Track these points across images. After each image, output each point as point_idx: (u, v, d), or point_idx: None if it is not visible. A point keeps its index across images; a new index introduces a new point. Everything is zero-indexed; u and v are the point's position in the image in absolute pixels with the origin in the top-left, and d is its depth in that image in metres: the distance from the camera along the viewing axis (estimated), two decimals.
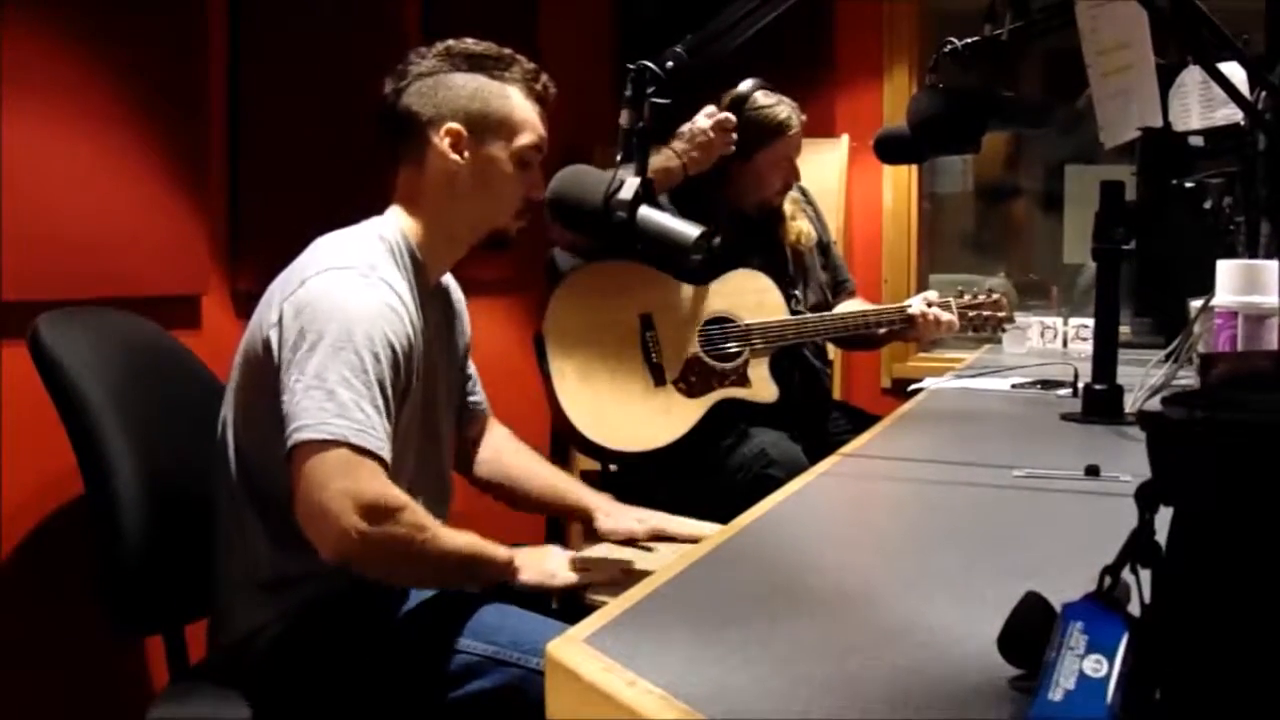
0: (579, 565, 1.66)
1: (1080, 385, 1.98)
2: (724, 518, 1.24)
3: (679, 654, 0.78)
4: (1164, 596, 0.62)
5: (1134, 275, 3.11)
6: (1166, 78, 2.06)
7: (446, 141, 1.65)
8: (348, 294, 1.51)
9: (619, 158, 1.37)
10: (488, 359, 3.20)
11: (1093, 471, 1.40)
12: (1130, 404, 1.84)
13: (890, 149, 1.83)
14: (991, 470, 1.50)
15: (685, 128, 2.40)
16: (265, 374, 1.52)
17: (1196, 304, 1.91)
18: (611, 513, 1.92)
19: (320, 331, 1.47)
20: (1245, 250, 2.02)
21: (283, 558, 1.57)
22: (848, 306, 2.86)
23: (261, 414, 1.54)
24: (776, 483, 1.56)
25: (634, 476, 2.60)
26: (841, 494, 1.44)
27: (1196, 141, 2.16)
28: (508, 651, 1.50)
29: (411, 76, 1.66)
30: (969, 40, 1.72)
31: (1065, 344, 3.24)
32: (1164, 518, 0.63)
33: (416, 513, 1.48)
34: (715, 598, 0.94)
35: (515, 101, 1.68)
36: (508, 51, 1.70)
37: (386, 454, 1.47)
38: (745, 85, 2.62)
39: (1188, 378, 1.91)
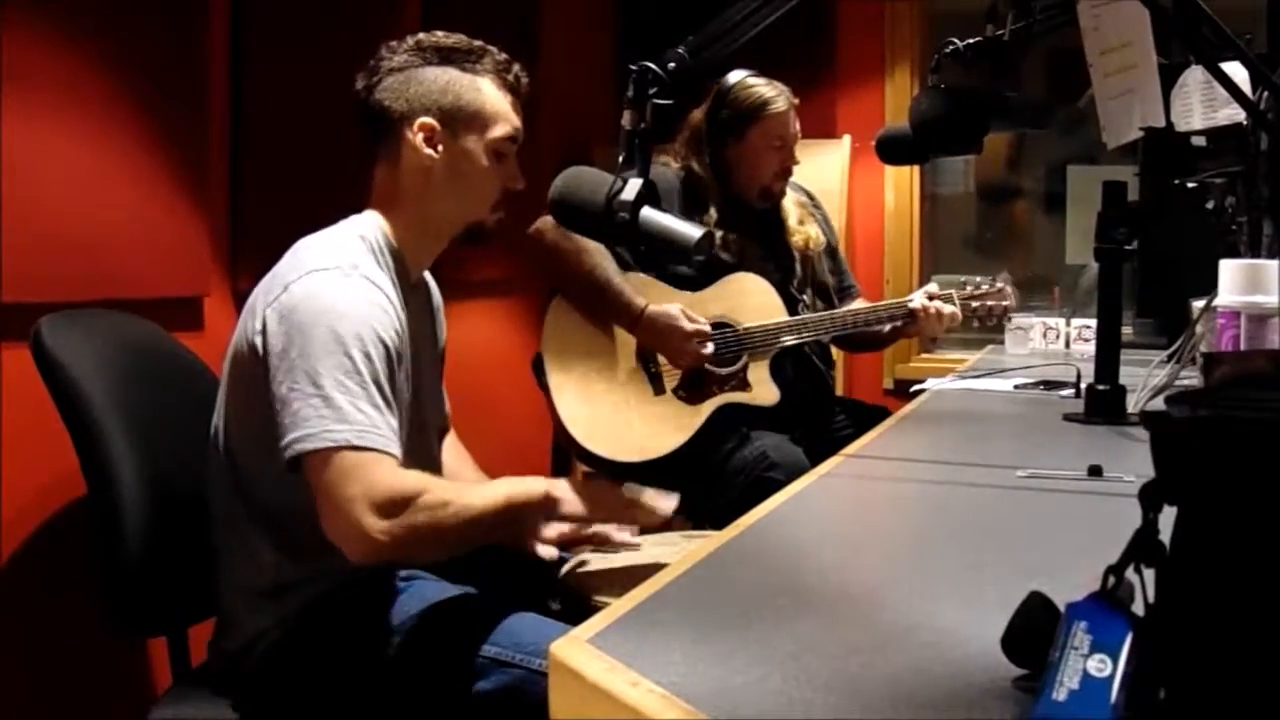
0: (622, 503, 1.65)
1: (1083, 386, 1.98)
2: (725, 521, 1.24)
3: (682, 654, 0.78)
4: (1168, 596, 0.62)
5: (1136, 275, 3.11)
6: (1169, 77, 2.06)
7: (420, 136, 1.64)
8: (333, 295, 1.50)
9: (621, 159, 1.37)
10: (486, 360, 3.21)
11: (1096, 472, 1.40)
12: (1133, 404, 1.84)
13: (892, 149, 1.82)
14: (994, 471, 1.50)
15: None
16: (254, 382, 1.52)
17: (1199, 304, 1.91)
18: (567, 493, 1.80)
19: (309, 336, 1.46)
20: (1248, 250, 2.02)
21: (281, 563, 1.57)
22: (851, 308, 2.85)
23: (252, 421, 1.54)
24: (778, 485, 1.55)
25: (635, 482, 2.59)
26: (844, 494, 1.44)
27: (1199, 141, 2.16)
28: (510, 653, 1.50)
29: (383, 72, 1.66)
30: (971, 40, 1.72)
31: (1068, 344, 3.24)
32: (1168, 517, 0.63)
33: (435, 492, 1.47)
34: (718, 598, 0.94)
35: (487, 93, 1.68)
36: (478, 43, 1.70)
37: (394, 449, 1.46)
38: (731, 76, 2.62)
39: (1190, 378, 1.91)
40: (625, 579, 1.64)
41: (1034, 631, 0.69)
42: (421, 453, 1.73)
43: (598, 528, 1.77)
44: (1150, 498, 0.63)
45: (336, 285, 1.51)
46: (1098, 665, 0.60)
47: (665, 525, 1.69)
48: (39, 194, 1.88)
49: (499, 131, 1.68)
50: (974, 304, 2.76)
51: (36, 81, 1.87)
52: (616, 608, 0.88)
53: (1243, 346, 1.72)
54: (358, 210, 1.69)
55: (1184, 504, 0.62)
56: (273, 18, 2.43)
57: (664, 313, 2.48)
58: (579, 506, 1.61)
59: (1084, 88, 1.84)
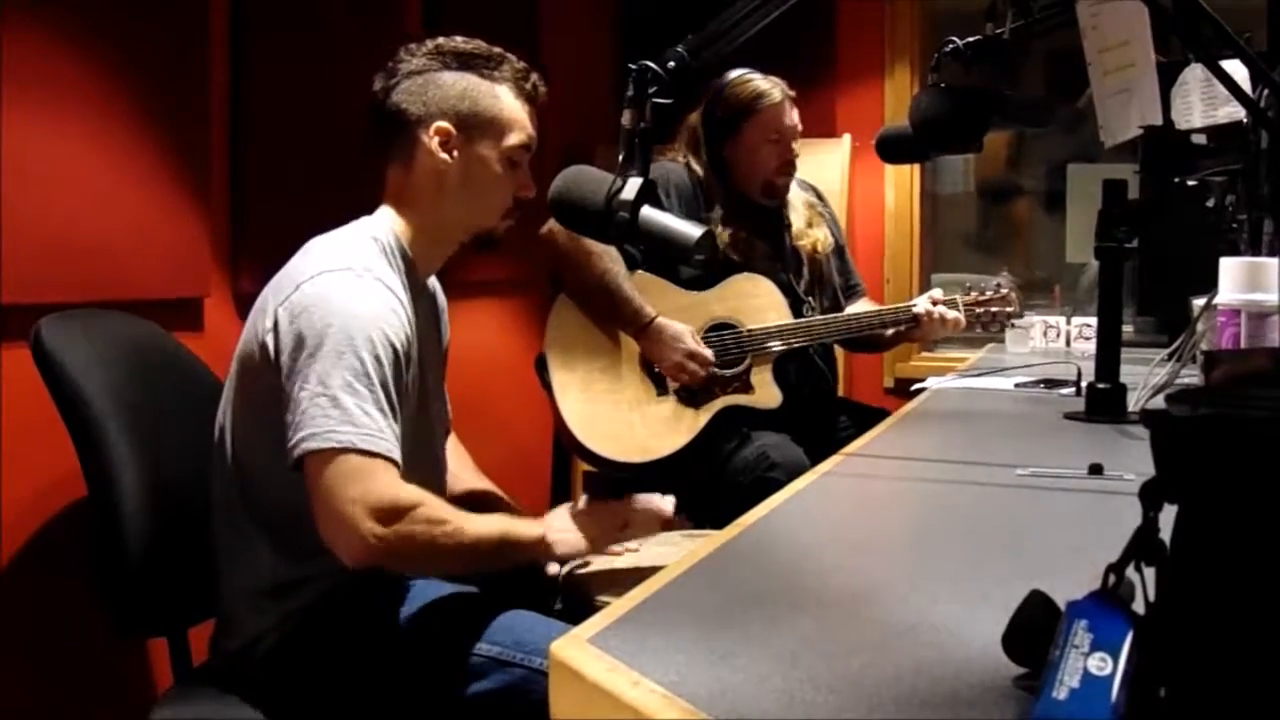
0: (620, 521, 1.65)
1: (1083, 384, 1.98)
2: (726, 521, 1.24)
3: (682, 653, 0.78)
4: (1168, 594, 0.62)
5: (1137, 274, 3.11)
6: (1168, 75, 2.06)
7: (435, 140, 1.65)
8: (345, 297, 1.50)
9: (621, 158, 1.37)
10: (488, 359, 3.21)
11: (1096, 470, 1.40)
12: (1133, 403, 1.84)
13: (892, 148, 1.82)
14: (995, 469, 1.50)
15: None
16: (262, 381, 1.52)
17: (1199, 302, 1.91)
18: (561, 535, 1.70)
19: (320, 337, 1.46)
20: (1248, 248, 2.01)
21: (283, 563, 1.57)
22: (856, 309, 2.84)
23: (259, 421, 1.54)
24: (778, 485, 1.55)
25: (636, 481, 2.60)
26: (845, 493, 1.44)
27: (1199, 139, 2.16)
28: (511, 652, 1.50)
29: (401, 74, 1.66)
30: (970, 39, 1.71)
31: (1068, 343, 3.24)
32: (1168, 516, 0.63)
33: (433, 507, 1.47)
34: (718, 597, 0.94)
35: (505, 101, 1.68)
36: (497, 50, 1.70)
37: (396, 455, 1.46)
38: (726, 74, 2.61)
39: (1191, 376, 1.91)
40: (626, 579, 1.64)
41: (1035, 630, 0.68)
42: (428, 455, 1.73)
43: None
44: (1151, 496, 0.63)
45: (349, 286, 1.51)
46: (1098, 664, 0.60)
47: (666, 525, 1.69)
48: (39, 195, 1.88)
49: (514, 140, 1.68)
50: (978, 309, 2.76)
51: (36, 82, 1.87)
52: (617, 607, 0.88)
53: (1243, 344, 1.72)
54: (358, 211, 1.69)
55: (1184, 502, 0.62)
56: (273, 18, 2.43)
57: (673, 331, 2.51)
58: (574, 547, 1.60)
59: (1084, 86, 1.84)
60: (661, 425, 2.53)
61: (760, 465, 2.45)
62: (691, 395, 2.56)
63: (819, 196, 2.90)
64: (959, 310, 2.72)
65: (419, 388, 1.65)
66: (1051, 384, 2.35)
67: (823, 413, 2.76)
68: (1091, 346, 1.96)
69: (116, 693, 2.04)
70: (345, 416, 1.43)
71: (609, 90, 3.73)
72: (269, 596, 1.58)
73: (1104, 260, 1.86)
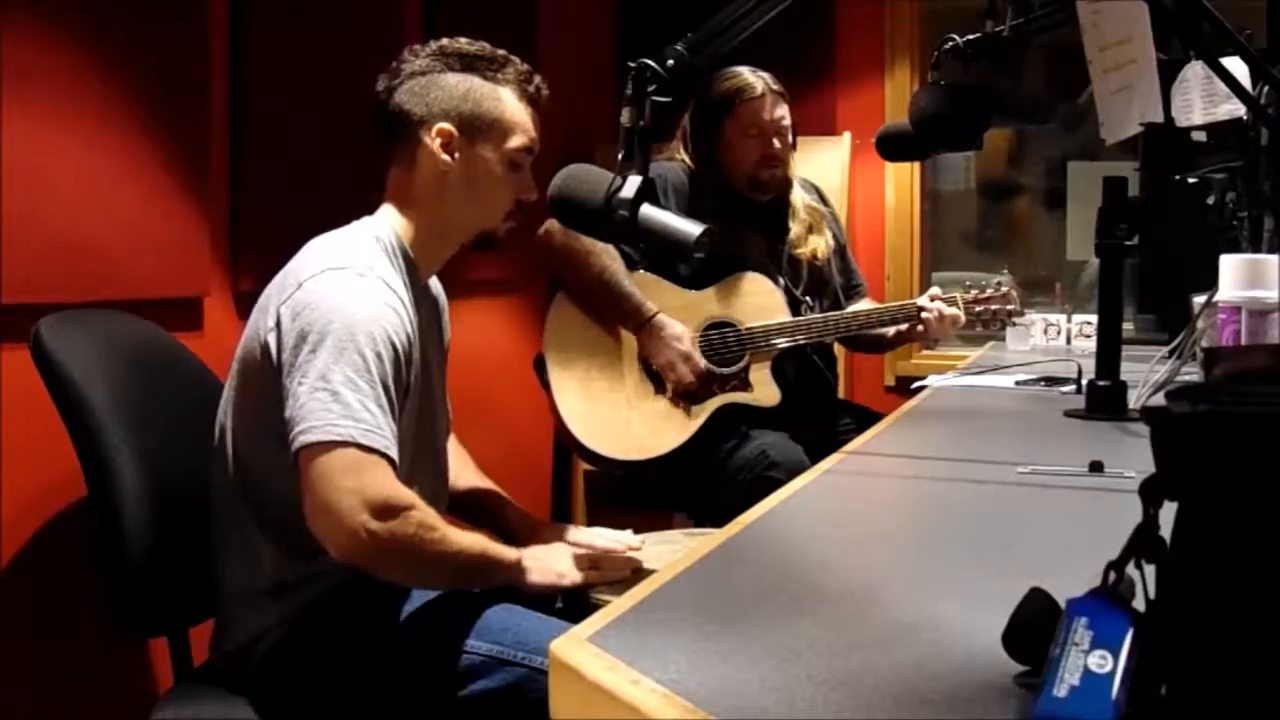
0: (586, 563, 1.66)
1: (1084, 382, 1.98)
2: (725, 520, 1.24)
3: (682, 652, 0.78)
4: (1169, 592, 0.62)
5: (1137, 272, 3.11)
6: (1169, 73, 2.06)
7: (438, 141, 1.65)
8: (347, 294, 1.51)
9: (620, 156, 1.37)
10: (487, 360, 3.21)
11: (1097, 468, 1.40)
12: (1134, 400, 1.84)
13: (892, 146, 1.82)
14: (995, 467, 1.50)
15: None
16: (264, 379, 1.52)
17: (1200, 300, 1.91)
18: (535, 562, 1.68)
19: (321, 333, 1.47)
20: (1248, 245, 2.01)
21: (283, 563, 1.57)
22: (857, 308, 2.83)
23: (260, 420, 1.54)
24: (778, 484, 1.55)
25: (636, 480, 2.60)
26: (845, 491, 1.44)
27: (1199, 137, 2.16)
28: (511, 651, 1.50)
29: (404, 75, 1.66)
30: (970, 37, 1.71)
31: (1069, 341, 3.24)
32: (1168, 513, 0.63)
33: (425, 512, 1.48)
34: (719, 595, 0.94)
35: (507, 103, 1.68)
36: (501, 52, 1.70)
37: (394, 453, 1.47)
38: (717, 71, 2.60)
39: (1191, 373, 1.91)
40: (626, 577, 1.64)
41: (1035, 628, 0.68)
42: (430, 454, 1.73)
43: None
44: (1151, 493, 0.63)
45: (351, 285, 1.52)
46: (1099, 661, 0.60)
47: (635, 570, 1.69)
48: (39, 195, 1.88)
49: (516, 142, 1.68)
50: (978, 307, 2.76)
51: (36, 81, 1.87)
52: (617, 606, 0.88)
53: (1243, 341, 1.72)
54: (357, 211, 1.69)
55: (1185, 499, 0.62)
56: (273, 18, 2.43)
57: (672, 331, 2.51)
58: (545, 576, 1.61)
59: (1084, 84, 1.83)
60: (660, 423, 2.53)
61: (759, 464, 2.45)
62: (690, 393, 2.56)
63: (822, 198, 2.88)
64: (959, 308, 2.71)
65: (422, 388, 1.65)
66: (1052, 382, 2.35)
67: (822, 411, 2.76)
68: (1092, 344, 1.96)
69: (117, 693, 2.04)
70: (346, 410, 1.43)
71: (609, 89, 3.72)
72: (269, 596, 1.58)
73: (1104, 258, 1.86)
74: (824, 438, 2.56)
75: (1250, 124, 2.00)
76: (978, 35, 1.71)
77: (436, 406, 1.76)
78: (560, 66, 2.83)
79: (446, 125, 1.64)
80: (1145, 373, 1.89)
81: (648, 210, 1.34)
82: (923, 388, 2.43)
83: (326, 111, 2.51)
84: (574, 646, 0.80)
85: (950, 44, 1.72)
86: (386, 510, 1.43)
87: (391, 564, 1.49)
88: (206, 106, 2.28)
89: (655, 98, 1.36)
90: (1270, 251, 1.88)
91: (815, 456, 2.38)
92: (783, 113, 2.62)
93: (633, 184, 1.34)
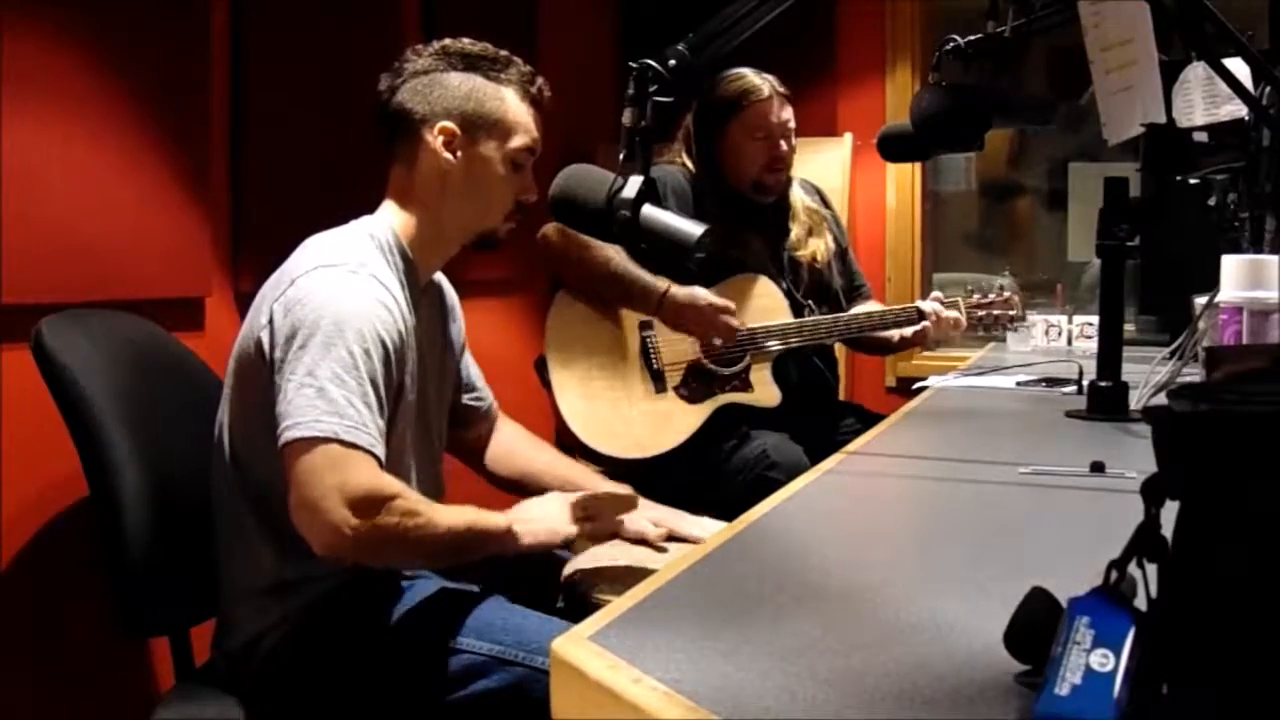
0: (580, 512, 1.65)
1: (1085, 382, 1.98)
2: (725, 520, 1.23)
3: (684, 650, 0.78)
4: (1170, 591, 0.62)
5: (1138, 272, 3.10)
6: (1170, 73, 2.06)
7: (440, 140, 1.65)
8: (337, 291, 1.51)
9: (622, 157, 1.37)
10: (487, 360, 3.21)
11: (1098, 468, 1.40)
12: (1135, 401, 1.84)
13: (893, 147, 1.82)
14: (997, 467, 1.50)
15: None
16: (258, 377, 1.52)
17: (1201, 300, 1.91)
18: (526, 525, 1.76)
19: (311, 329, 1.47)
20: (1250, 246, 2.01)
21: (283, 561, 1.57)
22: (860, 310, 2.83)
23: (256, 418, 1.54)
24: (777, 484, 1.55)
25: (636, 479, 2.60)
26: (846, 491, 1.44)
27: (1201, 137, 2.16)
28: (512, 651, 1.50)
29: (407, 74, 1.66)
30: (972, 37, 1.71)
31: (1070, 341, 3.24)
32: (1170, 512, 0.63)
33: (409, 499, 1.47)
34: (720, 594, 0.94)
35: (510, 103, 1.68)
36: (504, 53, 1.70)
37: (378, 449, 1.46)
38: (721, 73, 2.59)
39: (1193, 374, 1.91)
40: (627, 577, 1.64)
41: (1036, 627, 0.68)
42: (426, 460, 1.73)
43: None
44: (1152, 493, 0.63)
45: (342, 282, 1.52)
46: (1100, 660, 0.60)
47: (628, 506, 1.70)
48: (40, 195, 1.88)
49: (518, 142, 1.68)
50: (979, 311, 2.76)
51: (37, 82, 1.87)
52: (618, 605, 0.88)
53: (1245, 342, 1.72)
54: (358, 210, 1.69)
55: (1186, 499, 0.62)
56: (273, 18, 2.43)
57: (687, 292, 2.46)
58: (539, 537, 1.60)
59: (1085, 84, 1.83)
60: (660, 422, 2.53)
61: (760, 464, 2.45)
62: (691, 392, 2.56)
63: (823, 200, 2.88)
64: (960, 311, 2.72)
65: (417, 387, 1.65)
66: (1053, 382, 2.35)
67: (822, 412, 2.76)
68: (1093, 345, 1.96)
69: (118, 693, 2.04)
70: (331, 407, 1.43)
71: (609, 89, 3.72)
72: (270, 595, 1.58)
73: (1105, 258, 1.85)
74: (824, 438, 2.56)
75: (1252, 125, 2.00)
76: (979, 36, 1.71)
77: (432, 407, 1.76)
78: (560, 67, 2.83)
79: (449, 124, 1.65)
80: (1146, 373, 1.89)
81: (649, 210, 1.34)
82: (924, 388, 2.43)
83: (327, 111, 2.51)
84: (575, 645, 0.79)
85: (951, 45, 1.72)
86: (368, 505, 1.43)
87: (376, 556, 1.49)
88: (207, 106, 2.28)
89: (657, 98, 1.36)
90: (1272, 252, 1.88)
91: (815, 457, 2.39)
92: (788, 115, 2.63)
93: (634, 184, 1.34)
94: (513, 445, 1.99)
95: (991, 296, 2.77)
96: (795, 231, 2.72)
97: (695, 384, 2.57)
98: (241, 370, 1.59)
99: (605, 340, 2.55)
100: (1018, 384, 2.40)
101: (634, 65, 1.38)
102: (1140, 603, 0.63)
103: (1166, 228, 2.07)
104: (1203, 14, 1.23)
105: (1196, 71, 2.11)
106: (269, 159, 2.43)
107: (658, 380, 2.55)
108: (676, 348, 2.57)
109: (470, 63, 1.68)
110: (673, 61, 1.37)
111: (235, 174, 2.39)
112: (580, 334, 2.54)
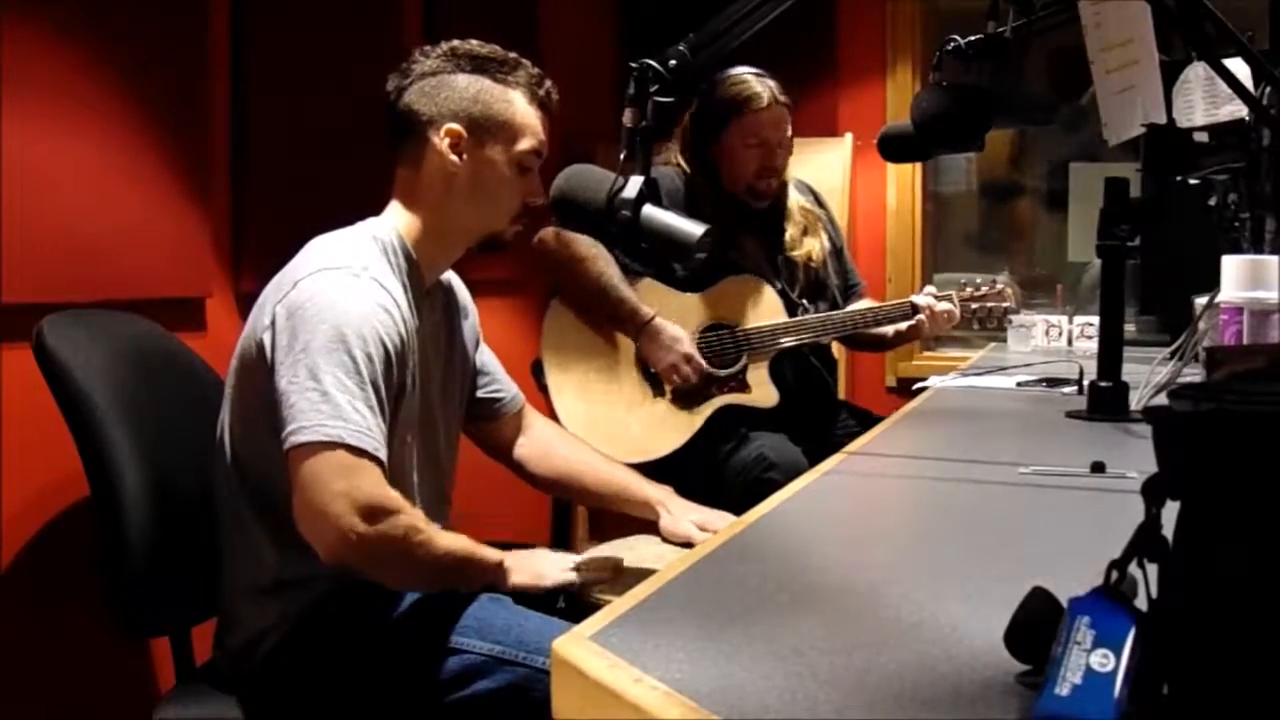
0: (569, 566, 1.66)
1: (1085, 383, 1.97)
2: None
3: (684, 650, 0.78)
4: (1170, 591, 0.62)
5: (1139, 272, 3.10)
6: (1171, 74, 2.06)
7: (446, 142, 1.64)
8: (339, 294, 1.51)
9: (622, 157, 1.37)
10: None
11: (1099, 468, 1.40)
12: (1136, 401, 1.84)
13: (894, 147, 1.82)
14: (997, 467, 1.50)
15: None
16: (260, 378, 1.52)
17: (1202, 301, 1.91)
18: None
19: (312, 332, 1.47)
20: (1250, 246, 2.01)
21: (285, 561, 1.57)
22: (854, 308, 2.82)
23: (258, 418, 1.54)
24: (776, 486, 1.55)
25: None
26: (846, 491, 1.44)
27: (1201, 138, 2.16)
28: (513, 651, 1.50)
29: (414, 75, 1.66)
30: (972, 38, 1.71)
31: (1070, 342, 3.23)
32: (1170, 512, 0.63)
33: (412, 515, 1.49)
34: (721, 594, 0.94)
35: (517, 106, 1.68)
36: (512, 55, 1.70)
37: (383, 454, 1.47)
38: (722, 73, 2.57)
39: (1193, 374, 1.91)
40: (628, 577, 1.64)
41: (1037, 627, 0.68)
42: (431, 462, 1.73)
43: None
44: (1153, 493, 0.63)
45: (343, 284, 1.52)
46: (1101, 660, 0.60)
47: (617, 571, 1.69)
48: (41, 194, 1.88)
49: (525, 145, 1.68)
50: (973, 305, 2.75)
51: (37, 81, 1.87)
52: (618, 605, 0.88)
53: (1245, 342, 1.72)
54: (360, 211, 1.69)
55: (1187, 499, 0.62)
56: (274, 17, 2.43)
57: (671, 334, 2.51)
58: (525, 577, 1.62)
59: (1086, 85, 1.83)
60: (658, 425, 2.53)
61: (758, 466, 2.44)
62: (688, 395, 2.55)
63: (817, 200, 2.87)
64: (954, 305, 2.71)
65: (421, 390, 1.65)
66: (1053, 383, 2.35)
67: (821, 414, 2.76)
68: (1093, 345, 1.96)
69: (119, 693, 2.04)
70: (336, 411, 1.43)
71: (609, 89, 3.72)
72: (271, 594, 1.58)
73: (1106, 259, 1.85)
74: (823, 439, 2.56)
75: (1252, 125, 2.01)
76: (979, 36, 1.71)
77: (437, 409, 1.75)
78: (560, 67, 2.83)
79: (455, 126, 1.64)
80: (1147, 374, 1.88)
81: (650, 210, 1.34)
82: (924, 388, 2.43)
83: (328, 111, 2.51)
84: (576, 645, 0.79)
85: (952, 45, 1.72)
86: (375, 513, 1.43)
87: (378, 566, 1.50)
88: (208, 106, 2.28)
89: (657, 98, 1.36)
90: (1272, 252, 1.88)
91: (814, 458, 2.39)
92: (787, 125, 2.61)
93: (635, 184, 1.34)
94: (550, 444, 1.99)
95: (985, 289, 2.76)
96: (790, 231, 2.71)
97: (692, 387, 2.56)
98: (243, 371, 1.59)
99: (602, 344, 2.55)
100: (1018, 384, 2.40)
101: (634, 65, 1.38)
102: (1141, 603, 0.63)
103: (1167, 228, 2.07)
104: (1203, 14, 1.23)
105: (1197, 71, 2.11)
106: (270, 159, 2.43)
107: (655, 384, 2.55)
108: None
109: (478, 64, 1.67)
110: (673, 61, 1.37)
111: (237, 174, 2.39)
112: (577, 338, 2.54)
